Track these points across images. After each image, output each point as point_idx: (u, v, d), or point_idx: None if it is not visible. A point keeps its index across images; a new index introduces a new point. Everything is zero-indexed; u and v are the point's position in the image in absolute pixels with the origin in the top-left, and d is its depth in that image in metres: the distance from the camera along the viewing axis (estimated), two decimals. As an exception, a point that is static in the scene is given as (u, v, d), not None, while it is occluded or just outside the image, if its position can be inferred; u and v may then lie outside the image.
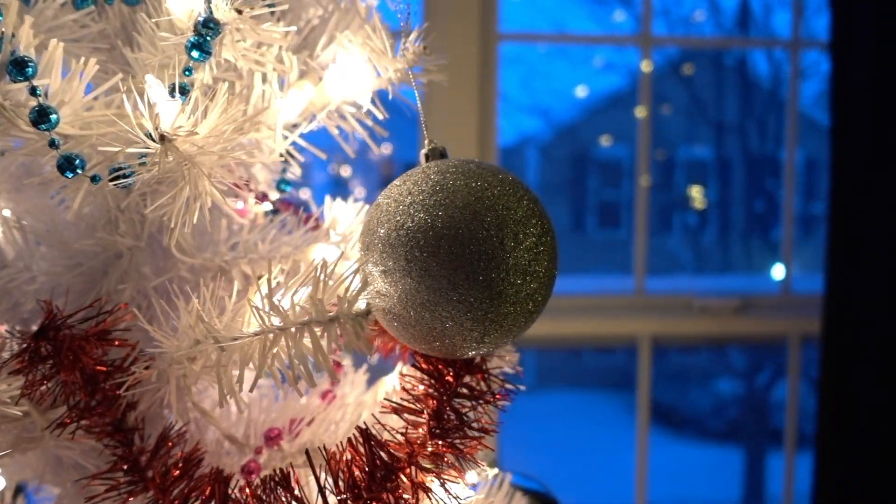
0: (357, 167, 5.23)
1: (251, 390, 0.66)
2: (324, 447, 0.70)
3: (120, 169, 0.62)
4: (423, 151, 0.70)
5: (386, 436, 0.70)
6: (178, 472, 0.72)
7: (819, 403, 2.44)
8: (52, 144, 0.61)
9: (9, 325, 0.78)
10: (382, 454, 0.68)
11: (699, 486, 5.43)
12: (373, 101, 0.83)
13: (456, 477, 0.70)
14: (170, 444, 0.74)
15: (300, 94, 0.80)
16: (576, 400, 7.33)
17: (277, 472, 0.69)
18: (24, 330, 0.71)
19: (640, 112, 2.68)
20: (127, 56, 0.71)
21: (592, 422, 6.75)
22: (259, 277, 0.75)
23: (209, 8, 0.62)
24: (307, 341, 0.65)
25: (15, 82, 0.58)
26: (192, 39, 0.62)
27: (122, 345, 0.71)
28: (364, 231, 0.66)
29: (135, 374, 0.70)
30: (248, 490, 0.69)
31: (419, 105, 0.74)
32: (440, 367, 0.72)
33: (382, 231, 0.63)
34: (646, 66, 2.69)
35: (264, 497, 0.68)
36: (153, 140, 0.58)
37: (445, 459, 0.69)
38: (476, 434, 0.71)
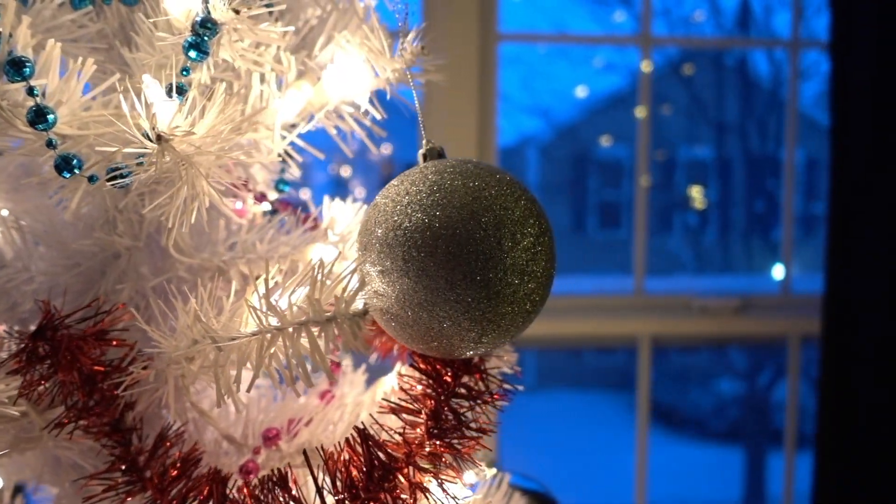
0: (357, 167, 5.23)
1: (248, 390, 0.66)
2: (321, 447, 0.70)
3: (117, 169, 0.62)
4: (421, 151, 0.70)
5: (384, 436, 0.70)
6: (176, 472, 0.72)
7: (819, 403, 2.44)
8: (50, 144, 0.61)
9: (7, 325, 0.78)
10: (380, 454, 0.68)
11: (699, 487, 5.43)
12: (371, 102, 0.83)
13: (454, 477, 0.70)
14: (168, 444, 0.74)
15: (298, 94, 0.80)
16: (576, 400, 7.33)
17: (275, 472, 0.69)
18: (22, 330, 0.71)
19: (640, 112, 2.68)
20: (125, 56, 0.71)
21: (593, 422, 6.76)
22: (257, 277, 0.75)
23: (206, 8, 0.62)
24: (304, 341, 0.65)
25: (12, 82, 0.58)
26: (189, 39, 0.62)
27: (120, 345, 0.71)
28: (362, 231, 0.66)
29: (133, 374, 0.70)
30: (245, 490, 0.69)
31: (417, 105, 0.74)
32: (438, 367, 0.72)
33: (380, 231, 0.63)
34: (646, 67, 2.69)
35: (262, 497, 0.68)
36: (150, 140, 0.58)
37: (443, 460, 0.69)
38: (474, 434, 0.71)
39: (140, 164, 0.60)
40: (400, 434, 0.70)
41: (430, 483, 0.69)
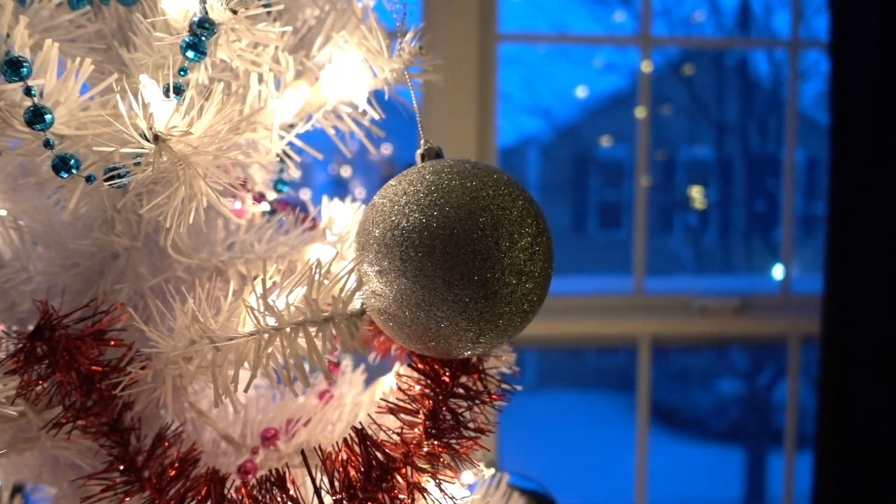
0: (358, 168, 5.23)
1: (246, 390, 0.66)
2: (319, 447, 0.70)
3: (115, 169, 0.62)
4: (419, 151, 0.70)
5: (382, 436, 0.70)
6: (174, 472, 0.72)
7: (819, 403, 2.44)
8: (48, 144, 0.61)
9: (5, 325, 0.78)
10: (378, 454, 0.68)
11: (700, 487, 5.43)
12: (369, 102, 0.83)
13: (452, 477, 0.70)
14: (166, 444, 0.74)
15: (296, 94, 0.80)
16: (577, 400, 7.32)
17: (273, 472, 0.69)
18: (19, 330, 0.71)
19: (640, 112, 2.68)
20: (123, 56, 0.71)
21: (593, 422, 6.75)
22: (255, 278, 0.75)
23: (204, 8, 0.62)
24: (302, 341, 0.65)
25: (10, 82, 0.58)
26: (187, 40, 0.63)
27: (119, 345, 0.71)
28: (359, 231, 0.66)
29: (131, 374, 0.70)
30: (243, 490, 0.69)
31: (416, 105, 0.74)
32: (436, 367, 0.72)
33: (378, 231, 0.63)
34: (646, 67, 2.69)
35: (260, 497, 0.68)
36: (147, 140, 0.58)
37: (441, 460, 0.69)
38: (472, 434, 0.71)
39: (137, 164, 0.60)
40: (398, 434, 0.70)
41: (428, 483, 0.69)
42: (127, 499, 0.71)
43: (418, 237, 0.61)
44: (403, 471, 0.68)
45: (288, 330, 0.65)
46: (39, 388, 0.68)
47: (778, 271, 2.83)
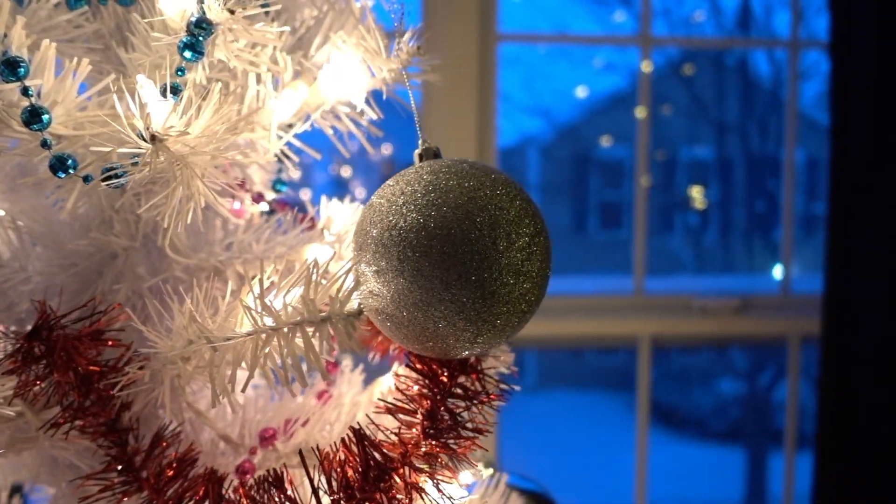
0: (358, 168, 5.23)
1: (243, 390, 0.66)
2: (317, 447, 0.70)
3: (112, 169, 0.62)
4: (417, 151, 0.70)
5: (380, 436, 0.70)
6: (172, 472, 0.72)
7: (819, 403, 2.44)
8: (45, 144, 0.61)
9: (3, 325, 0.78)
10: (376, 454, 0.68)
11: (700, 487, 5.43)
12: (368, 102, 0.83)
13: (450, 477, 0.70)
14: (164, 444, 0.74)
15: (294, 94, 0.80)
16: (577, 400, 7.32)
17: (271, 472, 0.69)
18: (17, 330, 0.71)
19: (640, 112, 2.68)
20: (121, 56, 0.71)
21: (594, 422, 6.75)
22: (252, 278, 0.75)
23: (202, 8, 0.62)
24: (300, 341, 0.65)
25: (7, 82, 0.58)
26: (184, 40, 0.63)
27: (116, 345, 0.71)
28: (357, 231, 0.66)
29: (129, 375, 0.70)
30: (241, 490, 0.69)
31: (414, 105, 0.74)
32: (434, 367, 0.72)
33: (375, 231, 0.63)
34: (646, 67, 2.69)
35: (258, 497, 0.68)
36: (144, 140, 0.58)
37: (439, 460, 0.69)
38: (470, 434, 0.71)
39: (135, 164, 0.60)
40: (396, 434, 0.70)
41: (426, 483, 0.69)
42: (125, 499, 0.71)
43: (416, 237, 0.61)
44: (401, 471, 0.68)
45: (285, 330, 0.65)
46: (37, 388, 0.68)
47: (778, 271, 2.83)
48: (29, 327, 0.69)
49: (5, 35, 0.59)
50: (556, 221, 7.72)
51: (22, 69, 0.58)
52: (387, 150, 4.71)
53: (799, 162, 4.45)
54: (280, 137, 0.81)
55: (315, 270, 0.66)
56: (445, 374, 0.71)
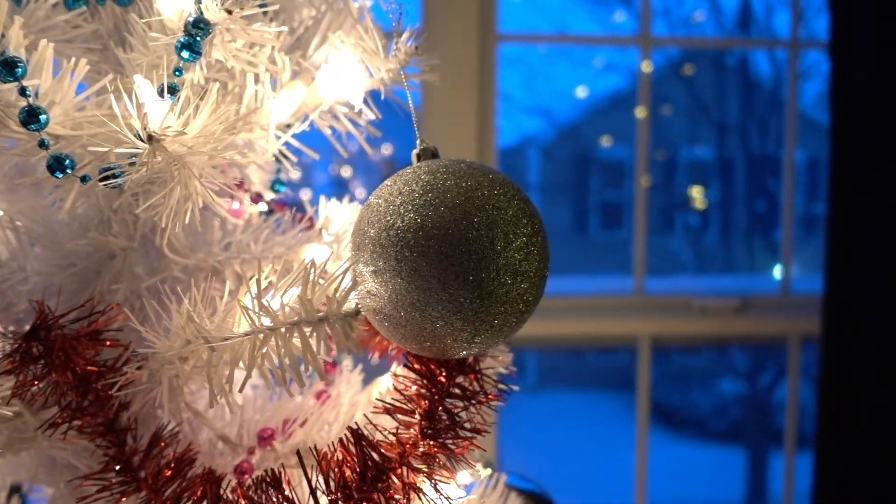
0: (358, 168, 5.23)
1: (241, 390, 0.66)
2: (315, 447, 0.70)
3: (110, 169, 0.62)
4: (415, 151, 0.70)
5: (378, 436, 0.70)
6: (170, 472, 0.72)
7: (819, 403, 2.44)
8: (42, 145, 0.61)
9: (2, 325, 0.78)
10: (374, 454, 0.68)
11: (701, 487, 5.43)
12: (366, 102, 0.83)
13: (447, 477, 0.70)
14: (162, 444, 0.74)
15: (293, 94, 0.80)
16: (578, 400, 7.32)
17: (268, 472, 0.69)
18: (15, 330, 0.71)
19: (640, 113, 2.68)
20: (119, 56, 0.71)
21: (594, 422, 6.75)
22: (250, 278, 0.75)
23: (199, 8, 0.62)
24: (297, 341, 0.65)
25: (4, 83, 0.58)
26: (182, 40, 0.63)
27: (114, 345, 0.71)
28: (355, 231, 0.66)
29: (127, 375, 0.70)
30: (239, 490, 0.69)
31: (411, 105, 0.74)
32: (433, 367, 0.72)
33: (373, 231, 0.63)
34: (646, 67, 2.69)
35: (256, 497, 0.68)
36: (141, 140, 0.58)
37: (437, 460, 0.69)
38: (468, 434, 0.71)
39: (132, 164, 0.60)
40: (394, 434, 0.70)
41: (424, 483, 0.69)
42: (123, 499, 0.71)
43: (413, 237, 0.61)
44: (399, 471, 0.68)
45: (283, 330, 0.65)
46: (35, 388, 0.68)
47: (778, 271, 2.83)
48: (27, 327, 0.69)
49: (3, 35, 0.59)
50: (557, 221, 7.72)
51: (20, 69, 0.58)
52: (387, 150, 4.71)
53: (799, 162, 4.45)
54: (278, 137, 0.81)
55: (312, 270, 0.66)
56: (443, 374, 0.71)
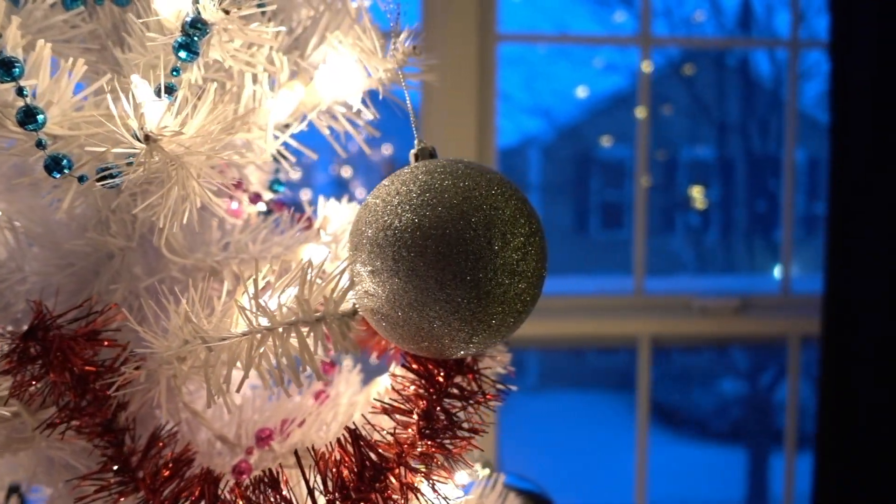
0: (358, 168, 5.23)
1: (238, 390, 0.66)
2: (313, 447, 0.70)
3: (107, 169, 0.62)
4: (413, 151, 0.70)
5: (376, 436, 0.70)
6: (168, 472, 0.72)
7: (819, 403, 2.44)
8: (40, 145, 0.61)
9: (0, 325, 0.79)
10: (371, 454, 0.68)
11: (701, 487, 5.42)
12: (364, 102, 0.83)
13: (445, 478, 0.70)
14: (160, 444, 0.74)
15: (291, 94, 0.80)
16: (578, 400, 7.32)
17: (266, 472, 0.69)
18: (13, 330, 0.71)
19: (640, 113, 2.68)
20: (117, 56, 0.71)
21: (595, 422, 6.75)
22: (248, 278, 0.75)
23: (197, 9, 0.62)
24: (294, 341, 0.65)
25: (2, 83, 0.58)
26: (179, 40, 0.63)
27: (112, 345, 0.71)
28: (352, 231, 0.66)
29: (125, 375, 0.70)
30: (237, 490, 0.69)
31: (409, 105, 0.74)
32: (430, 367, 0.72)
33: (370, 231, 0.63)
34: (646, 67, 2.69)
35: (253, 497, 0.68)
36: (138, 140, 0.58)
37: (435, 460, 0.69)
38: (466, 434, 0.71)
39: (130, 164, 0.60)
40: (391, 434, 0.70)
41: (422, 483, 0.69)
42: (121, 499, 0.71)
43: (411, 237, 0.61)
44: (397, 471, 0.68)
45: (280, 330, 0.65)
46: (33, 388, 0.68)
47: (778, 271, 2.83)
48: (25, 327, 0.69)
49: (0, 35, 0.59)
50: (557, 221, 7.72)
51: (17, 69, 0.58)
52: (387, 150, 4.71)
53: (800, 162, 4.45)
54: (276, 138, 0.81)
55: (310, 270, 0.66)
56: (442, 374, 0.71)
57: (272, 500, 0.68)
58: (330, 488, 0.67)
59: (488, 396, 0.73)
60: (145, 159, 0.58)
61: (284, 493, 0.68)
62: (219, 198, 0.69)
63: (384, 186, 0.65)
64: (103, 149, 0.60)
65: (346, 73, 0.79)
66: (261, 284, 0.66)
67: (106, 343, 0.71)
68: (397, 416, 0.70)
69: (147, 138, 0.57)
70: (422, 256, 0.60)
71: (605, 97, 7.46)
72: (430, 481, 0.69)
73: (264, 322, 0.65)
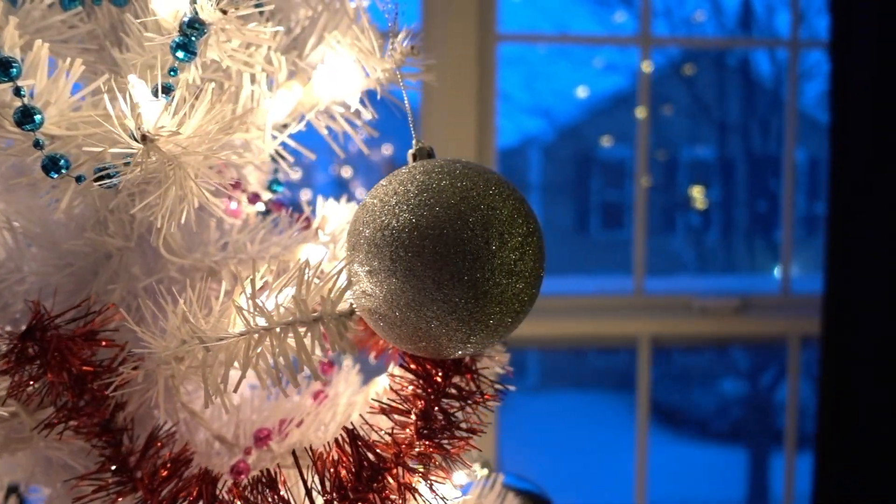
0: (358, 168, 5.24)
1: (235, 390, 0.66)
2: (311, 447, 0.70)
3: (104, 169, 0.62)
4: (411, 151, 0.70)
5: (374, 436, 0.70)
6: (166, 472, 0.72)
7: (819, 403, 2.44)
8: (37, 145, 0.61)
9: (-2, 325, 0.79)
10: (369, 454, 0.68)
11: (701, 487, 5.42)
12: (363, 102, 0.83)
13: (443, 478, 0.70)
14: (159, 444, 0.74)
15: (289, 94, 0.80)
16: (579, 401, 7.32)
17: (264, 472, 0.69)
18: (11, 330, 0.71)
19: (641, 113, 2.68)
20: (115, 57, 0.71)
21: (595, 422, 6.75)
22: (246, 278, 0.75)
23: (194, 9, 0.62)
24: (292, 341, 0.65)
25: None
26: (177, 40, 0.63)
27: (110, 345, 0.71)
28: (350, 231, 0.66)
29: (123, 375, 0.70)
30: (235, 490, 0.69)
31: (407, 105, 0.74)
32: (429, 367, 0.72)
33: (368, 231, 0.63)
34: (646, 67, 2.69)
35: (251, 498, 0.68)
36: (136, 140, 0.58)
37: (433, 460, 0.69)
38: (464, 434, 0.71)
39: (127, 164, 0.60)
40: (389, 434, 0.70)
41: (419, 484, 0.69)
42: (119, 499, 0.71)
43: (408, 237, 0.61)
44: (394, 471, 0.68)
45: (277, 330, 0.65)
46: (31, 388, 0.68)
47: (778, 271, 2.83)
48: (23, 327, 0.69)
49: (-3, 35, 0.59)
50: (558, 221, 7.72)
51: (14, 69, 0.58)
52: (387, 150, 4.71)
53: (800, 162, 4.45)
54: (274, 138, 0.81)
55: (307, 270, 0.66)
56: (440, 374, 0.71)
57: (270, 500, 0.68)
58: (328, 488, 0.67)
59: (486, 396, 0.73)
60: (143, 159, 0.58)
61: (282, 493, 0.68)
62: (217, 198, 0.69)
63: (382, 186, 0.65)
64: (101, 149, 0.60)
65: (344, 73, 0.79)
66: (258, 284, 0.66)
67: (104, 343, 0.71)
68: (395, 417, 0.70)
69: (144, 138, 0.57)
70: (419, 256, 0.60)
71: (605, 97, 7.46)
72: (428, 481, 0.69)
73: (262, 322, 0.65)
